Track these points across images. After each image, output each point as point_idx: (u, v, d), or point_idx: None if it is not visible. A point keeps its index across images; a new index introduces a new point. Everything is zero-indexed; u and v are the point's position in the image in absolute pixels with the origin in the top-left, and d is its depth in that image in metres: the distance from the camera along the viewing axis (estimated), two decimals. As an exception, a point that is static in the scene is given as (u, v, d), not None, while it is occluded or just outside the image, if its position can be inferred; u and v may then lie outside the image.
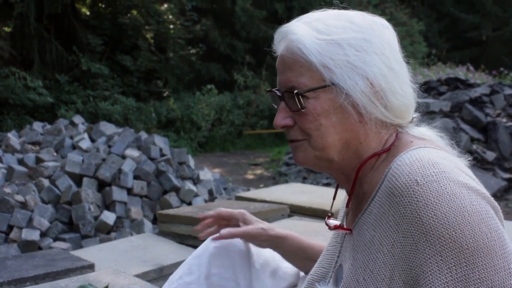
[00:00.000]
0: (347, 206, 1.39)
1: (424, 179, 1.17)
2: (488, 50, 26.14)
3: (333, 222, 1.47)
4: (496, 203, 1.22)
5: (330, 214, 1.53)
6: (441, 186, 1.16)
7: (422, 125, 1.44)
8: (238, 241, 1.87)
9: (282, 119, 1.37)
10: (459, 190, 1.16)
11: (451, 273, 1.12)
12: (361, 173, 1.37)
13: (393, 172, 1.23)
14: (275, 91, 1.40)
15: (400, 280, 1.19)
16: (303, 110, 1.30)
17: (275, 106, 1.45)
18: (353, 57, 1.29)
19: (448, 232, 1.12)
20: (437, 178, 1.17)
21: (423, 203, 1.15)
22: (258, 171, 12.50)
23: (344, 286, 1.29)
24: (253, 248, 1.87)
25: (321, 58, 1.28)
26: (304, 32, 1.32)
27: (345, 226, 1.44)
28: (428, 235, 1.14)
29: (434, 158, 1.22)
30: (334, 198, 1.58)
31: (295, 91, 1.30)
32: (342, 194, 1.58)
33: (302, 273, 1.90)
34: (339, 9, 1.43)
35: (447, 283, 1.11)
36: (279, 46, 1.41)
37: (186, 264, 1.88)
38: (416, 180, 1.17)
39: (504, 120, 10.31)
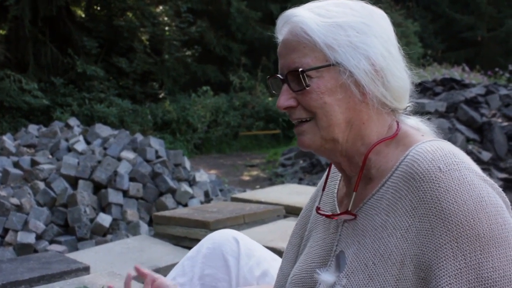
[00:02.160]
0: (355, 190, 1.38)
1: (446, 166, 1.20)
2: (483, 51, 26.20)
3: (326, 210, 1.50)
4: (507, 199, 1.25)
5: (318, 206, 1.55)
6: (462, 175, 1.19)
7: (412, 117, 1.47)
8: (230, 242, 1.88)
9: (285, 100, 1.38)
10: (478, 181, 1.20)
11: (465, 260, 1.14)
12: (356, 152, 1.39)
13: (414, 158, 1.25)
14: (277, 75, 1.41)
15: (412, 264, 1.20)
16: (307, 88, 1.32)
17: (275, 93, 1.46)
18: (354, 38, 1.32)
19: (466, 219, 1.15)
20: (458, 167, 1.21)
21: (444, 189, 1.18)
22: (254, 173, 12.50)
23: (350, 270, 1.29)
24: (245, 250, 1.88)
25: (324, 38, 1.31)
26: (307, 15, 1.35)
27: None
28: (446, 220, 1.16)
29: (454, 149, 1.26)
30: (323, 189, 1.60)
31: (300, 69, 1.32)
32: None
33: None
34: None
35: (460, 269, 1.14)
36: (282, 31, 1.42)
37: (180, 266, 1.89)
38: (439, 166, 1.20)
39: (500, 120, 10.33)
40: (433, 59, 18.25)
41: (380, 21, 1.39)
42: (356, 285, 1.26)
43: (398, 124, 1.40)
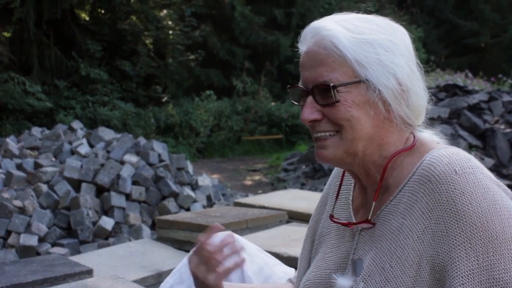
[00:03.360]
0: (374, 200, 1.40)
1: (462, 170, 1.24)
2: (486, 57, 26.17)
3: (343, 219, 1.51)
4: None
5: (332, 214, 1.56)
6: (477, 179, 1.23)
7: (426, 131, 1.49)
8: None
9: (310, 113, 1.37)
10: (492, 185, 1.24)
11: (478, 260, 1.17)
12: (373, 164, 1.41)
13: (430, 162, 1.29)
14: (301, 86, 1.41)
15: (427, 266, 1.22)
16: (337, 103, 1.33)
17: (296, 103, 1.46)
18: (383, 56, 1.33)
19: (480, 221, 1.18)
20: (473, 171, 1.24)
21: (460, 191, 1.21)
22: (257, 177, 12.50)
23: (367, 274, 1.32)
24: (246, 255, 1.87)
25: (355, 54, 1.32)
26: (338, 29, 1.35)
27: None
28: (460, 221, 1.19)
29: (469, 155, 1.29)
30: (337, 197, 1.60)
31: (331, 85, 1.32)
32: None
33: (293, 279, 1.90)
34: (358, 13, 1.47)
35: (473, 270, 1.16)
36: (308, 42, 1.40)
37: (177, 272, 1.87)
38: (455, 169, 1.24)
39: (502, 126, 10.32)
40: (436, 65, 18.24)
41: (404, 39, 1.41)
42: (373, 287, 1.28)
43: (414, 136, 1.43)
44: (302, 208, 4.52)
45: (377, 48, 1.33)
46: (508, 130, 10.16)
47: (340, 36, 1.32)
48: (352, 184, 1.58)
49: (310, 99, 1.37)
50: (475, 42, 26.83)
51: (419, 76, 1.41)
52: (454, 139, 9.24)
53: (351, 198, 1.56)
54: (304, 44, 1.42)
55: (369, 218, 1.39)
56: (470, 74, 15.87)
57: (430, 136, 1.46)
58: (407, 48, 1.40)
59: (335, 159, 1.39)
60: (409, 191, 1.31)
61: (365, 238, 1.41)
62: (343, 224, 1.48)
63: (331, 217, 1.54)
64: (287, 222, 4.43)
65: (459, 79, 14.57)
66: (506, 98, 11.41)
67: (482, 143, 9.84)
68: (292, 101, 1.47)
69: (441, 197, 1.22)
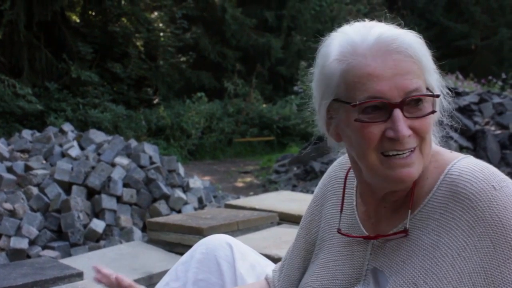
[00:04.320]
0: (410, 208, 1.34)
1: (499, 184, 1.25)
2: (477, 59, 26.28)
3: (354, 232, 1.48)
4: None
5: (339, 228, 1.53)
6: None
7: None
8: (224, 247, 1.87)
9: (406, 129, 1.26)
10: None
11: None
12: None
13: (462, 178, 1.28)
14: (384, 100, 1.26)
15: (470, 282, 1.22)
16: (433, 113, 1.31)
17: (363, 120, 1.28)
18: (432, 65, 1.34)
19: None
20: (507, 183, 1.26)
21: (503, 206, 1.22)
22: (248, 179, 12.50)
23: (395, 287, 1.30)
24: (239, 254, 1.88)
25: (427, 62, 1.32)
26: (410, 36, 1.31)
27: (367, 233, 1.45)
28: (508, 236, 1.20)
29: (491, 166, 1.31)
30: (341, 211, 1.56)
31: (435, 93, 1.30)
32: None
33: None
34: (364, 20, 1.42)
35: None
36: (374, 51, 1.27)
37: (173, 271, 1.89)
38: (493, 185, 1.24)
39: (493, 128, 10.37)
40: (427, 67, 18.26)
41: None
42: None
43: None
44: (293, 210, 4.52)
45: (427, 55, 1.33)
46: (498, 131, 10.21)
47: (417, 46, 1.29)
48: (354, 193, 1.55)
49: (399, 113, 1.25)
50: (465, 44, 26.93)
51: None
52: (444, 141, 9.26)
53: (354, 209, 1.52)
54: (369, 52, 1.27)
55: (407, 227, 1.34)
56: (460, 76, 15.94)
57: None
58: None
59: (417, 175, 1.33)
60: (440, 207, 1.29)
61: (379, 248, 1.40)
62: (364, 238, 1.44)
63: (339, 231, 1.51)
64: (278, 224, 4.43)
65: (449, 81, 14.53)
66: (496, 100, 11.48)
67: (473, 144, 9.88)
68: (356, 119, 1.28)
69: (484, 214, 1.22)
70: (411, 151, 1.28)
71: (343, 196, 1.57)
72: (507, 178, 1.28)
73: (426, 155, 1.32)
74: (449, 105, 1.40)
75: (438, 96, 1.30)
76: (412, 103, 1.27)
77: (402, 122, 1.25)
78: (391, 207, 1.41)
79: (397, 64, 1.25)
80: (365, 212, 1.49)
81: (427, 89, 1.29)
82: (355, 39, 1.30)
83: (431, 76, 1.31)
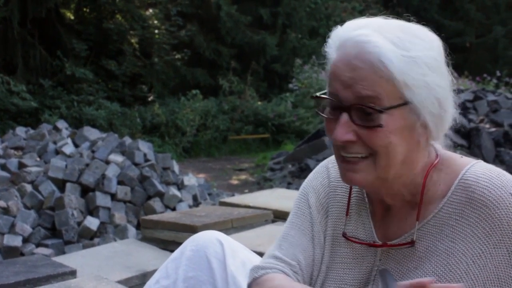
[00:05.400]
0: (417, 219, 1.33)
1: None
2: (471, 57, 26.32)
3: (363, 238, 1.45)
4: None
5: (345, 232, 1.50)
6: None
7: None
8: (214, 244, 1.85)
9: (344, 133, 1.25)
10: None
11: None
12: (402, 185, 1.35)
13: (479, 184, 1.26)
14: (334, 100, 1.28)
15: None
16: (379, 128, 1.23)
17: (321, 114, 1.33)
18: (429, 77, 1.25)
19: None
20: None
21: None
22: (243, 177, 12.49)
23: None
24: (229, 251, 1.86)
25: (403, 75, 1.22)
26: (386, 46, 1.23)
27: (376, 240, 1.42)
28: None
29: (506, 172, 1.29)
30: (347, 214, 1.53)
31: (378, 108, 1.22)
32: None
33: None
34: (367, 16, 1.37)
35: None
36: (346, 52, 1.27)
37: (164, 268, 1.87)
38: (511, 193, 1.22)
39: (487, 126, 10.38)
40: (422, 65, 18.28)
41: (441, 51, 1.33)
42: None
43: (434, 149, 1.40)
44: (287, 207, 4.50)
45: (423, 67, 1.24)
46: (493, 129, 10.22)
47: (389, 55, 1.21)
48: (365, 198, 1.52)
49: (345, 117, 1.25)
50: (460, 42, 26.94)
51: (452, 93, 1.34)
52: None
53: (369, 215, 1.49)
54: (340, 52, 1.29)
55: (414, 239, 1.33)
56: (455, 74, 15.83)
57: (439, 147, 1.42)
58: (444, 63, 1.32)
59: (366, 183, 1.32)
60: (456, 213, 1.28)
61: (389, 253, 1.39)
62: (377, 246, 1.41)
63: (344, 235, 1.49)
64: (273, 221, 4.43)
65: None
66: (491, 97, 11.49)
67: (467, 142, 9.89)
68: (317, 111, 1.35)
69: (501, 222, 1.21)
70: (362, 157, 1.27)
71: (349, 198, 1.54)
72: None
73: (381, 167, 1.27)
74: (455, 121, 1.36)
75: (381, 111, 1.21)
76: (362, 112, 1.24)
77: (341, 126, 1.25)
78: (399, 212, 1.39)
79: (355, 70, 1.23)
80: (378, 216, 1.47)
81: (412, 103, 1.24)
82: (341, 35, 1.31)
83: (414, 93, 1.23)
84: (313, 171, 1.67)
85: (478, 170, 1.29)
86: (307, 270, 1.50)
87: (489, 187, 1.24)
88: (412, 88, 1.23)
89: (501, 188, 1.23)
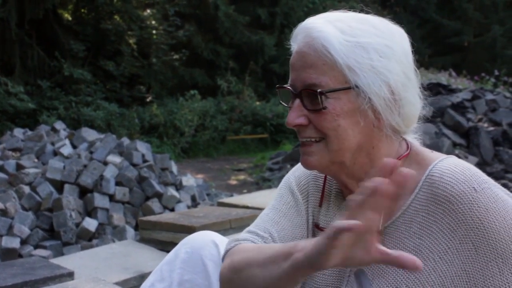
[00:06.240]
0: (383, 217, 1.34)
1: (480, 186, 1.23)
2: (469, 56, 26.37)
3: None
4: None
5: (318, 223, 1.51)
6: (494, 193, 1.23)
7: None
8: (209, 246, 1.83)
9: (296, 117, 1.33)
10: (506, 196, 1.25)
11: None
12: (365, 173, 1.33)
13: (443, 180, 1.25)
14: (289, 87, 1.36)
15: (452, 285, 1.22)
16: (324, 110, 1.28)
17: (284, 104, 1.41)
18: (377, 62, 1.27)
19: (508, 235, 1.19)
20: (489, 185, 1.24)
21: (484, 208, 1.20)
22: (242, 177, 12.48)
23: None
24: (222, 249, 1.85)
25: (346, 59, 1.26)
26: (330, 31, 1.28)
27: None
28: (489, 239, 1.19)
29: (473, 166, 1.28)
30: (320, 205, 1.54)
31: (319, 90, 1.27)
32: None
33: None
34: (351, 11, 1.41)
35: (508, 283, 1.17)
36: (299, 41, 1.35)
37: (158, 271, 1.84)
38: (474, 187, 1.22)
39: (486, 125, 10.37)
40: (420, 64, 18.19)
41: (403, 43, 1.36)
42: None
43: (406, 142, 1.40)
44: (286, 208, 4.49)
45: (371, 53, 1.27)
46: (491, 128, 10.22)
47: (331, 39, 1.27)
48: (338, 190, 1.52)
49: (297, 102, 1.33)
50: (458, 41, 27.02)
51: (415, 83, 1.36)
52: (438, 138, 9.27)
53: (339, 207, 1.49)
54: (295, 43, 1.37)
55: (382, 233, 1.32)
56: (453, 73, 15.97)
57: (413, 140, 1.43)
58: (405, 54, 1.34)
59: (320, 166, 1.35)
60: (422, 210, 1.27)
61: None
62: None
63: (317, 226, 1.48)
64: (272, 222, 4.41)
65: (443, 78, 14.65)
66: (489, 96, 11.49)
67: (466, 141, 9.89)
68: (281, 102, 1.43)
69: (465, 216, 1.20)
70: (315, 141, 1.32)
71: (323, 188, 1.55)
72: (489, 179, 1.26)
73: (334, 151, 1.31)
74: (424, 109, 1.39)
75: (323, 94, 1.26)
76: (311, 96, 1.29)
77: (293, 111, 1.33)
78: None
79: (304, 58, 1.31)
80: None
81: (358, 86, 1.27)
82: (298, 27, 1.39)
83: (359, 76, 1.26)
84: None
85: (444, 166, 1.28)
86: (281, 242, 1.49)
87: (452, 182, 1.24)
88: (357, 71, 1.26)
89: (464, 183, 1.22)
